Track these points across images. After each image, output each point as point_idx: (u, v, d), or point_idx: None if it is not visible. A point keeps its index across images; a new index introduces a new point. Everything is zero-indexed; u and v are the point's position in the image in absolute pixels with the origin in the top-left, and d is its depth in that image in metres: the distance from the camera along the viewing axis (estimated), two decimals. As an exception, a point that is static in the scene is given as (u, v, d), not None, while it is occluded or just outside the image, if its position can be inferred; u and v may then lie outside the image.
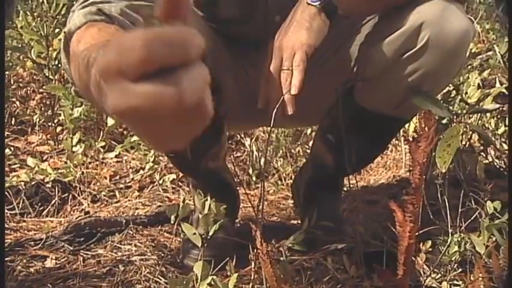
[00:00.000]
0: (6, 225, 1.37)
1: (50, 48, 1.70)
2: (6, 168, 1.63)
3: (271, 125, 0.85)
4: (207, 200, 0.81)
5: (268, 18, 0.96)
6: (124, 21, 0.71)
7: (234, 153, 1.90)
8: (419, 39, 0.82)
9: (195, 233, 0.80)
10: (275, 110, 0.84)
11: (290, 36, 0.83)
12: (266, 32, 0.96)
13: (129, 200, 1.49)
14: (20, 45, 1.66)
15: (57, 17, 1.69)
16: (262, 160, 1.67)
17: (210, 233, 0.79)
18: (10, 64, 1.91)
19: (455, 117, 1.05)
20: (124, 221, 1.18)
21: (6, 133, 1.75)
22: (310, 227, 1.01)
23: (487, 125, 1.67)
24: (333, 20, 0.84)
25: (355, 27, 0.98)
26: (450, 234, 0.87)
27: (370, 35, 0.91)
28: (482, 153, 1.35)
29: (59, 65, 1.77)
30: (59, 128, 1.80)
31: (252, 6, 0.96)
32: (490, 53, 2.50)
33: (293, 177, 1.76)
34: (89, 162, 1.67)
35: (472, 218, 0.88)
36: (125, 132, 1.89)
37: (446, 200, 0.90)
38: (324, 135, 1.08)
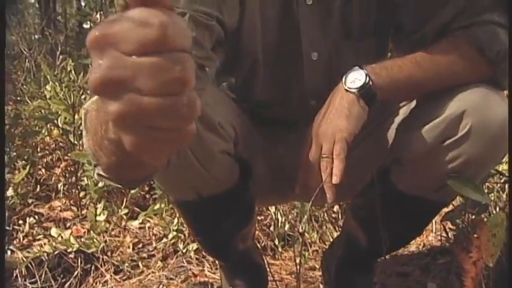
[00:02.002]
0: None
1: (76, 116, 1.72)
2: (30, 237, 1.62)
3: (309, 206, 0.83)
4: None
5: (303, 102, 0.96)
6: None
7: (257, 216, 1.87)
8: (461, 127, 0.79)
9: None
10: (314, 197, 0.82)
11: (329, 124, 0.82)
12: (300, 114, 0.96)
13: (152, 272, 1.45)
14: (47, 114, 1.69)
15: (84, 85, 1.72)
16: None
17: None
18: (37, 129, 1.95)
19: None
20: (149, 302, 1.14)
21: (31, 200, 1.76)
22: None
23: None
24: (372, 106, 0.82)
25: (392, 109, 0.96)
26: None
27: (408, 119, 0.89)
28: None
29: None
30: (82, 193, 1.80)
31: (287, 90, 0.96)
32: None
33: (318, 241, 1.72)
34: (112, 229, 1.66)
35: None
36: (147, 196, 1.88)
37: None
38: (357, 213, 1.05)
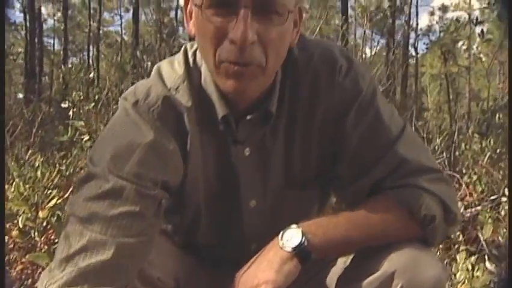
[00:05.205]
0: None
1: (40, 215, 1.71)
2: None
3: None
4: None
5: (244, 246, 0.97)
6: None
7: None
8: (393, 287, 0.81)
9: None
10: None
11: (256, 273, 0.83)
12: (243, 255, 0.97)
13: None
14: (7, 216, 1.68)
15: (49, 185, 1.73)
16: None
17: None
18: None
19: None
20: None
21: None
22: None
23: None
24: (305, 265, 0.84)
25: (328, 260, 0.98)
26: None
27: (347, 272, 0.91)
28: None
29: (47, 226, 1.77)
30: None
31: (228, 235, 0.98)
32: (479, 207, 2.50)
33: None
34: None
35: None
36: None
37: None
38: None
